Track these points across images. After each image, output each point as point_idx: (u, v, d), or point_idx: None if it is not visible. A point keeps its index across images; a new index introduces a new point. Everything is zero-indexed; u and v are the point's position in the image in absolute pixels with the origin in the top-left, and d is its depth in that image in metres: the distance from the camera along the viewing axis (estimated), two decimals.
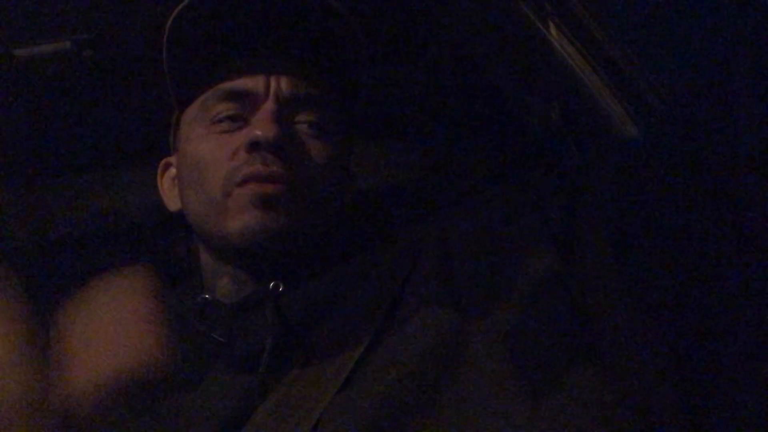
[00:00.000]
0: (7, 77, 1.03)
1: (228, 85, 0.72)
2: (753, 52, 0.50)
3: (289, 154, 0.68)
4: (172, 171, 0.78)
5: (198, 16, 0.70)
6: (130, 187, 1.20)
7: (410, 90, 1.11)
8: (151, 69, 1.08)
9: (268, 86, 0.70)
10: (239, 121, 0.70)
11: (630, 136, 0.71)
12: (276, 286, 0.67)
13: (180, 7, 0.70)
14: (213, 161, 0.69)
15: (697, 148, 0.60)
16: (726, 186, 0.59)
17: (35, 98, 1.09)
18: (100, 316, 0.55)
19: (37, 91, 1.07)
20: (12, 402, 0.50)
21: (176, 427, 0.62)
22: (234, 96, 0.71)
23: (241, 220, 0.66)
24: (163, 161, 0.79)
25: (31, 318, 0.56)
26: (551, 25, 0.80)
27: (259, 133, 0.66)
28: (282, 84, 0.70)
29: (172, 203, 0.76)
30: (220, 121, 0.71)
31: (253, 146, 0.67)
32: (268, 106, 0.69)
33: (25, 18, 0.96)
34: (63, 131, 1.16)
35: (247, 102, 0.70)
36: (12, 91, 1.07)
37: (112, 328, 0.55)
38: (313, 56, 0.72)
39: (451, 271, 0.65)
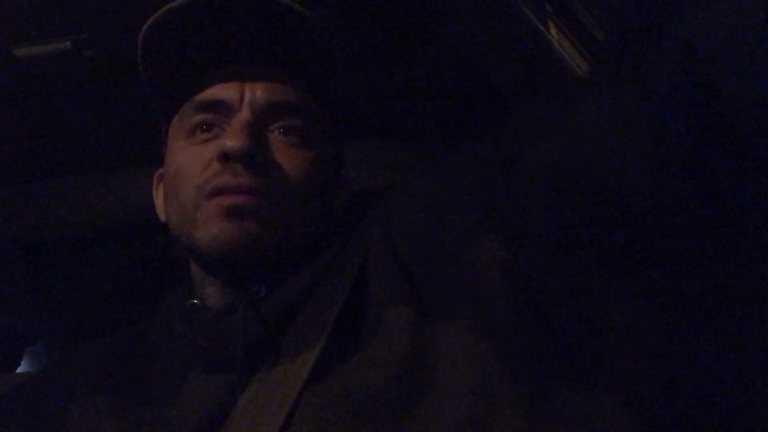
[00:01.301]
0: (7, 77, 1.03)
1: (203, 96, 0.71)
2: None
3: (261, 164, 0.67)
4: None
5: (170, 29, 0.70)
6: (130, 187, 1.20)
7: (410, 90, 1.11)
8: None
9: (242, 95, 0.70)
10: (214, 129, 0.70)
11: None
12: (258, 291, 0.67)
13: (150, 21, 0.70)
14: (187, 173, 0.69)
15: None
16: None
17: (35, 98, 1.09)
18: None
19: (37, 91, 1.07)
20: None
21: (154, 430, 0.63)
22: (209, 107, 0.71)
23: (209, 231, 0.66)
24: (157, 173, 0.79)
25: None
26: (551, 25, 0.80)
27: (228, 144, 0.66)
28: (257, 92, 0.70)
29: (162, 214, 0.76)
30: (196, 132, 0.71)
31: (224, 157, 0.67)
32: (241, 116, 0.69)
33: (25, 18, 0.96)
34: (63, 131, 1.16)
35: (222, 112, 0.70)
36: (12, 91, 1.07)
37: None
38: (288, 64, 0.72)
39: (400, 257, 0.66)
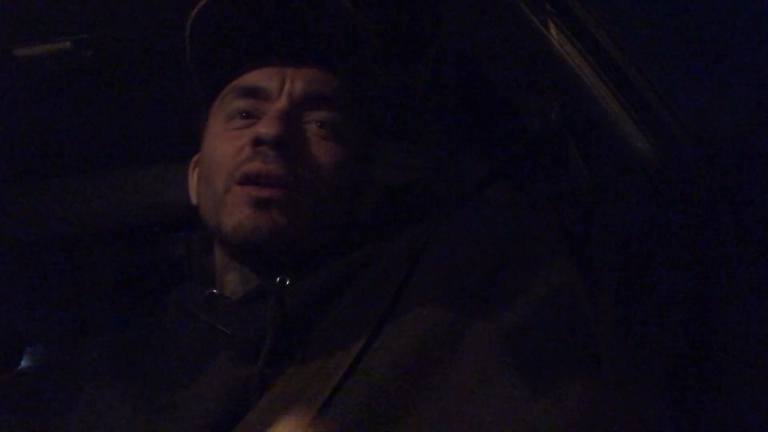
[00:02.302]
0: (7, 77, 1.03)
1: (244, 81, 0.73)
2: None
3: (293, 154, 0.68)
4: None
5: (216, 15, 0.71)
6: (130, 187, 1.20)
7: (410, 90, 1.11)
8: (150, 69, 1.08)
9: (282, 85, 0.71)
10: (252, 118, 0.71)
11: (641, 151, 0.71)
12: (282, 281, 0.67)
13: (199, 5, 0.71)
14: (221, 156, 0.70)
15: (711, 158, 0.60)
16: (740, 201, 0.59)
17: (35, 98, 1.09)
18: None
19: (37, 91, 1.07)
20: None
21: (174, 417, 0.62)
22: (249, 92, 0.72)
23: (234, 217, 0.67)
24: (195, 158, 0.80)
25: None
26: (551, 25, 0.80)
27: (263, 130, 0.67)
28: (296, 83, 0.71)
29: (194, 196, 0.77)
30: (234, 118, 0.72)
31: (257, 143, 0.67)
32: (278, 104, 0.70)
33: (25, 18, 0.96)
34: (63, 131, 1.16)
35: (261, 99, 0.71)
36: (12, 91, 1.07)
37: None
38: (329, 57, 0.73)
39: (454, 270, 0.65)
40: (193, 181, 0.80)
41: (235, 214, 0.67)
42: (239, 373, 0.63)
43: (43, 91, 1.07)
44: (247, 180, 0.67)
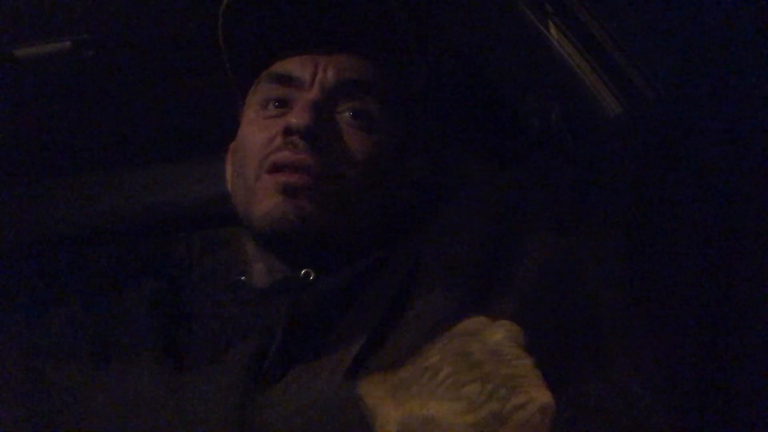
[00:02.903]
0: (7, 77, 1.03)
1: (278, 69, 0.73)
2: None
3: (323, 144, 0.67)
4: None
5: (250, 2, 0.71)
6: (130, 187, 1.20)
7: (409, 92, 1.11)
8: (150, 69, 1.08)
9: (314, 73, 0.71)
10: (284, 107, 0.71)
11: (613, 114, 0.72)
12: (307, 275, 0.67)
13: None
14: (253, 145, 0.71)
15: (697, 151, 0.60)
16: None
17: (35, 98, 1.09)
18: None
19: (37, 91, 1.07)
20: None
21: (191, 401, 0.61)
22: (282, 80, 0.72)
23: (263, 205, 0.67)
24: (231, 145, 0.80)
25: None
26: (551, 25, 0.80)
27: (294, 120, 0.67)
28: (329, 71, 0.71)
29: (229, 184, 0.77)
30: (267, 106, 0.72)
31: (287, 132, 0.67)
32: (310, 94, 0.69)
33: (25, 18, 0.96)
34: (63, 131, 1.16)
35: (293, 88, 0.71)
36: (12, 91, 1.07)
37: None
38: (363, 43, 0.72)
39: (454, 261, 0.65)
40: (228, 168, 0.79)
41: (265, 201, 0.67)
42: (250, 367, 0.63)
43: (43, 91, 1.08)
44: (276, 169, 0.67)
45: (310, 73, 0.71)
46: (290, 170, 0.66)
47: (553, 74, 0.81)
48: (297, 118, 0.67)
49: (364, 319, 0.63)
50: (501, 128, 0.99)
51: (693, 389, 0.59)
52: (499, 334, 0.51)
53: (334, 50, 0.72)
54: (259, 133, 0.71)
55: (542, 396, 0.47)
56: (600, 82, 0.76)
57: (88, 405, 0.63)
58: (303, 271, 0.68)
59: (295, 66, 0.72)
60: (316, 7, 0.71)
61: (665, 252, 0.61)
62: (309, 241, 0.67)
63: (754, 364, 0.57)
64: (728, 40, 0.59)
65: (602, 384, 0.56)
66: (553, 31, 0.80)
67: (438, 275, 0.64)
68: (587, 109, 0.78)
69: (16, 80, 1.04)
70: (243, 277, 0.72)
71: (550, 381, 0.55)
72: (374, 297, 0.65)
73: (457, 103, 1.12)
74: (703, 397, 0.59)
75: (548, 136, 0.83)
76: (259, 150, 0.69)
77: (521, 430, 0.45)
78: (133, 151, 1.18)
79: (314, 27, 0.72)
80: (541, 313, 0.60)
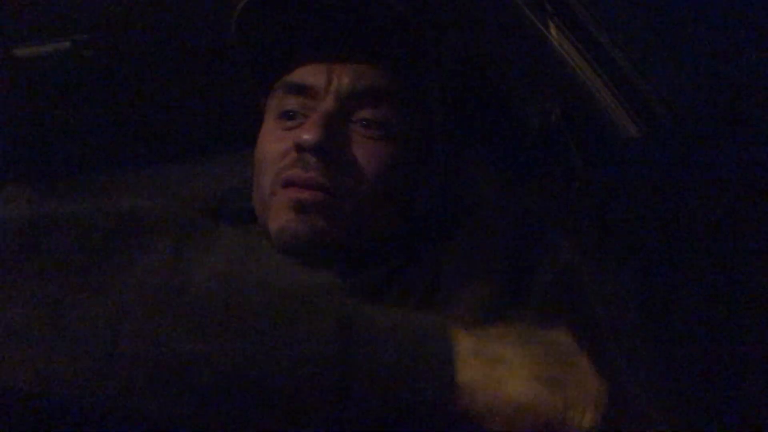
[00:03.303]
0: (7, 77, 1.03)
1: (292, 78, 0.72)
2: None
3: (334, 158, 0.67)
4: None
5: (262, 10, 0.71)
6: (130, 187, 1.20)
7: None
8: (149, 69, 1.08)
9: (329, 82, 0.70)
10: (300, 118, 0.71)
11: (630, 136, 0.72)
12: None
13: (243, 2, 0.70)
14: (269, 159, 0.70)
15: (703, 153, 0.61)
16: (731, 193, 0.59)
17: (35, 98, 1.09)
18: None
19: (37, 91, 1.07)
20: None
21: None
22: (297, 90, 0.71)
23: (278, 221, 0.67)
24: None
25: None
26: (551, 25, 0.80)
27: (304, 136, 0.67)
28: (344, 79, 0.70)
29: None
30: (283, 117, 0.72)
31: (298, 148, 0.68)
32: (323, 106, 0.69)
33: (25, 18, 0.96)
34: (63, 131, 1.16)
35: (308, 97, 0.70)
36: (12, 91, 1.07)
37: None
38: (379, 50, 0.72)
39: (475, 271, 0.65)
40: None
41: (279, 217, 0.67)
42: None
43: (43, 91, 1.08)
44: (289, 184, 0.67)
45: (325, 81, 0.70)
46: (301, 187, 0.67)
47: (553, 74, 0.81)
48: (308, 133, 0.66)
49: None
50: (501, 128, 0.99)
51: (694, 394, 0.59)
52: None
53: (350, 58, 0.71)
54: (275, 145, 0.70)
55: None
56: (600, 82, 0.76)
57: None
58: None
59: (309, 75, 0.71)
60: (331, 14, 0.70)
61: (679, 273, 0.61)
62: (323, 254, 0.67)
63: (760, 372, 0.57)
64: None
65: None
66: (553, 31, 0.80)
67: (459, 285, 0.64)
68: (587, 111, 0.78)
69: (16, 80, 1.04)
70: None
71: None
72: (393, 306, 0.65)
73: (456, 102, 1.12)
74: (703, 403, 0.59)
75: (548, 137, 0.83)
76: (274, 164, 0.69)
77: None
78: (134, 151, 1.18)
79: (329, 34, 0.71)
80: (554, 318, 0.60)
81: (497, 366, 0.51)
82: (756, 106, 0.60)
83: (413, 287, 0.66)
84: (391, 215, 0.70)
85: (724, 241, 0.59)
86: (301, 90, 0.71)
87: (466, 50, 1.00)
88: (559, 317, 0.60)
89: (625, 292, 0.61)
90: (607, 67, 0.75)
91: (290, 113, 0.71)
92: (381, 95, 0.70)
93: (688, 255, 0.62)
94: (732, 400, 0.58)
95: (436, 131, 0.76)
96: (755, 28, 0.56)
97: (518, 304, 0.61)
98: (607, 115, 0.74)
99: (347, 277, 0.67)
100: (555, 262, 0.63)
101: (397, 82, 0.71)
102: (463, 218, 0.73)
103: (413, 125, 0.72)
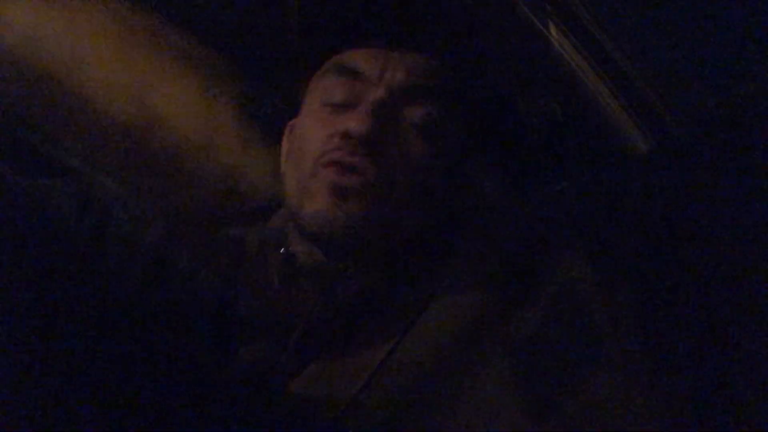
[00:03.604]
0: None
1: (344, 60, 0.71)
2: None
3: (381, 150, 0.67)
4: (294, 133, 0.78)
5: None
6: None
7: None
8: None
9: (383, 71, 0.69)
10: (348, 103, 0.69)
11: (636, 147, 0.72)
12: (345, 268, 0.67)
13: None
14: (312, 140, 0.69)
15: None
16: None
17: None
18: None
19: None
20: None
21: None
22: (348, 73, 0.70)
23: (315, 204, 0.66)
24: (290, 123, 0.78)
25: None
26: (551, 25, 0.80)
27: (353, 125, 0.66)
28: (397, 71, 0.69)
29: (283, 163, 0.76)
30: (331, 100, 0.70)
31: (347, 137, 0.66)
32: (375, 95, 0.68)
33: None
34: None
35: (359, 82, 0.70)
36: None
37: None
38: (436, 46, 0.71)
39: (481, 277, 0.65)
40: (286, 145, 0.77)
41: (317, 200, 0.66)
42: (268, 355, 0.63)
43: None
44: (332, 164, 0.66)
45: (379, 69, 0.69)
46: (343, 170, 0.66)
47: (553, 74, 0.81)
48: (357, 122, 0.66)
49: (390, 326, 0.63)
50: (501, 128, 0.99)
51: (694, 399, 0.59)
52: None
53: (405, 50, 0.71)
54: (320, 128, 0.69)
55: None
56: (600, 82, 0.76)
57: None
58: (341, 265, 0.67)
59: (363, 60, 0.70)
60: (392, 3, 0.70)
61: (686, 291, 0.61)
62: (354, 242, 0.66)
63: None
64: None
65: (603, 389, 0.57)
66: (553, 31, 0.80)
67: (466, 288, 0.64)
68: (587, 109, 0.78)
69: None
70: (289, 250, 0.70)
71: (557, 385, 0.56)
72: (403, 303, 0.65)
73: (456, 102, 1.12)
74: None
75: (548, 137, 0.83)
76: (317, 146, 0.68)
77: None
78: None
79: (387, 23, 0.71)
80: (556, 334, 0.60)
81: None
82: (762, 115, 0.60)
83: (421, 288, 0.66)
84: (423, 212, 0.70)
85: (731, 256, 0.59)
86: (352, 73, 0.70)
87: (464, 49, 1.00)
88: (561, 327, 0.60)
89: (627, 308, 0.61)
90: (611, 71, 0.75)
91: (341, 98, 0.69)
92: (431, 93, 0.70)
93: (692, 271, 0.62)
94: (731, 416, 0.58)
95: (475, 134, 0.76)
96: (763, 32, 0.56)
97: (520, 315, 0.61)
98: (612, 121, 0.74)
99: (363, 263, 0.67)
100: (561, 273, 0.62)
101: (448, 81, 0.71)
102: (467, 223, 0.73)
103: (458, 127, 0.71)
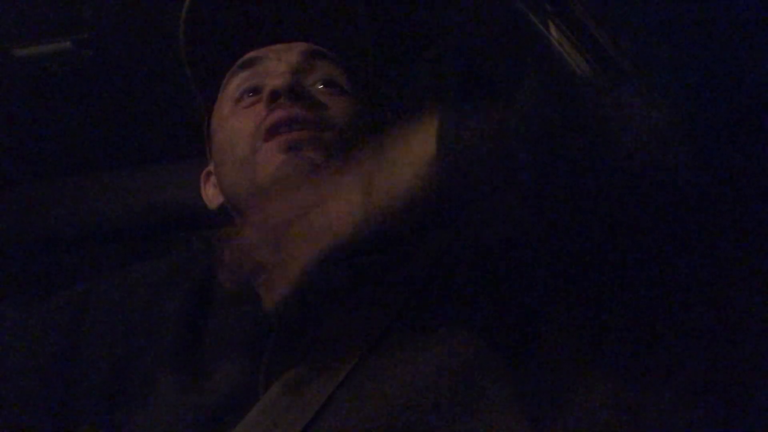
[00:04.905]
0: (7, 77, 1.03)
1: (243, 58, 0.72)
2: None
3: (310, 102, 0.67)
4: (212, 177, 0.76)
5: (205, 13, 0.71)
6: (130, 187, 1.20)
7: (410, 90, 1.11)
8: (149, 69, 1.08)
9: (279, 55, 0.71)
10: (258, 87, 0.70)
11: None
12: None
13: (186, 6, 0.71)
14: (240, 130, 0.68)
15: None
16: None
17: (35, 98, 1.09)
18: None
19: (37, 91, 1.07)
20: None
21: (201, 400, 0.59)
22: (248, 64, 0.71)
23: (270, 167, 0.64)
24: (205, 171, 0.78)
25: None
26: (551, 25, 0.80)
27: (276, 82, 0.66)
28: (293, 50, 0.71)
29: (216, 200, 0.74)
30: (243, 98, 0.71)
31: (273, 96, 0.66)
32: (281, 66, 0.69)
33: (25, 18, 0.96)
34: (63, 131, 1.16)
35: (261, 70, 0.71)
36: (12, 91, 1.07)
37: None
38: (319, 39, 0.72)
39: (463, 288, 0.63)
40: (209, 193, 0.76)
41: (270, 164, 0.64)
42: (242, 370, 0.61)
43: (43, 91, 1.08)
44: (275, 130, 0.65)
45: (275, 54, 0.71)
46: (288, 128, 0.65)
47: (554, 75, 0.81)
48: (275, 80, 0.66)
49: (366, 325, 0.61)
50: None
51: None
52: None
53: (290, 36, 0.73)
54: (242, 121, 0.68)
55: None
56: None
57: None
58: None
59: (259, 52, 0.72)
60: (274, 5, 0.71)
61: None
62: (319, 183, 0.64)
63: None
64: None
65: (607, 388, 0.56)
66: (553, 31, 0.80)
67: (445, 304, 0.62)
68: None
69: (16, 80, 1.04)
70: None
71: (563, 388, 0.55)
72: (381, 302, 0.62)
73: (456, 102, 1.12)
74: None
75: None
76: (247, 130, 0.67)
77: None
78: (133, 151, 1.18)
79: (270, 29, 0.72)
80: (548, 348, 0.59)
81: None
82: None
83: (400, 286, 0.65)
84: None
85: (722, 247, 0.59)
86: (253, 62, 0.71)
87: (463, 48, 1.00)
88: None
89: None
90: (611, 70, 0.75)
91: (249, 92, 0.70)
92: (330, 58, 0.71)
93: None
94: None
95: (375, 87, 0.77)
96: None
97: (503, 327, 0.60)
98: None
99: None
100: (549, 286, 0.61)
101: (337, 51, 0.72)
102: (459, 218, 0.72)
103: (358, 87, 0.72)
